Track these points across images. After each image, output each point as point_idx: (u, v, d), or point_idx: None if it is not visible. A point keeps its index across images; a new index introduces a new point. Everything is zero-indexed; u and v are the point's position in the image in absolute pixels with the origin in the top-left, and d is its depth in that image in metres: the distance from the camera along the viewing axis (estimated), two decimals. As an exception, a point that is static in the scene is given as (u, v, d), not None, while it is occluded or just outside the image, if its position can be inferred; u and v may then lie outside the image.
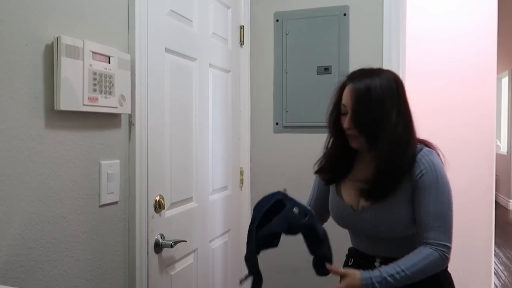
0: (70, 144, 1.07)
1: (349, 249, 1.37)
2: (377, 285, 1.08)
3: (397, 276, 1.08)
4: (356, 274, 1.11)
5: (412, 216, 1.16)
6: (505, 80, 6.78)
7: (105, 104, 1.13)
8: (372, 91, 1.13)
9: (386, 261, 1.18)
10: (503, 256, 4.47)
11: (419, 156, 1.15)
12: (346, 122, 1.17)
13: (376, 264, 1.23)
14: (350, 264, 1.33)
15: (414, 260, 1.10)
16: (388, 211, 1.17)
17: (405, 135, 1.15)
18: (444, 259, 1.11)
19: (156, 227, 1.39)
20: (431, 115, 2.61)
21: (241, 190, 2.07)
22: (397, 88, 1.16)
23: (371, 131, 1.14)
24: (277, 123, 2.07)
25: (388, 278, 1.08)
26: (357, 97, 1.14)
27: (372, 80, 1.15)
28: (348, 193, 1.26)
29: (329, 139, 1.28)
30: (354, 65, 1.94)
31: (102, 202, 1.18)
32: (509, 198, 6.77)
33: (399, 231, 1.18)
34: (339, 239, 1.32)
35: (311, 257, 1.22)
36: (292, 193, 2.05)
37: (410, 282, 1.09)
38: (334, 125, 1.24)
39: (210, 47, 1.75)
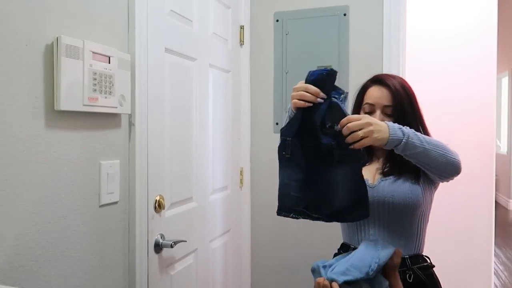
0: (70, 144, 1.07)
1: (342, 247, 1.35)
2: (405, 129, 1.07)
3: (421, 137, 1.08)
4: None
5: (425, 186, 1.23)
6: (505, 80, 6.78)
7: (105, 104, 1.13)
8: (406, 88, 1.28)
9: None
10: (503, 256, 4.47)
11: None
12: (376, 118, 1.21)
13: None
14: None
15: (434, 140, 1.12)
16: (404, 179, 1.23)
17: (427, 132, 1.29)
18: (459, 161, 1.14)
19: (156, 227, 1.39)
20: (431, 115, 2.60)
21: (241, 190, 2.07)
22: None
23: (405, 125, 1.19)
24: (277, 123, 2.07)
25: (414, 134, 1.07)
26: (394, 93, 1.24)
27: (400, 81, 1.29)
28: (364, 172, 1.28)
29: None
30: (354, 65, 1.94)
31: (102, 202, 1.18)
32: (509, 198, 6.77)
33: (415, 196, 1.21)
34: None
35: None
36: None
37: (426, 158, 1.09)
38: None
39: (210, 47, 1.75)
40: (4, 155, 0.90)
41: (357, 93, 1.35)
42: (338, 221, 1.17)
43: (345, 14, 1.95)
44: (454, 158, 1.13)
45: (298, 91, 1.08)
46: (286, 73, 2.04)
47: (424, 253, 1.28)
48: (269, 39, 2.07)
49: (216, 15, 1.80)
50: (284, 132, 1.13)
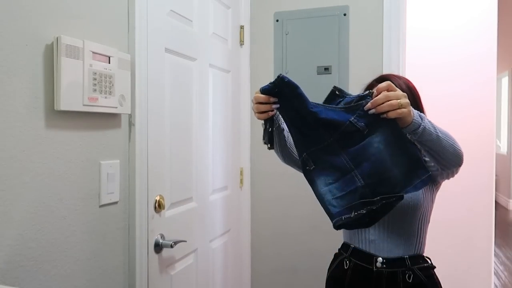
0: (70, 144, 1.07)
1: (343, 247, 1.36)
2: (422, 115, 1.04)
3: (434, 125, 1.06)
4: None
5: (426, 187, 1.20)
6: (505, 80, 6.78)
7: (105, 104, 1.13)
8: (411, 88, 1.28)
9: (388, 262, 1.19)
10: (503, 256, 4.47)
11: None
12: None
13: (378, 264, 1.23)
14: (345, 267, 1.30)
15: (443, 129, 1.10)
16: None
17: None
18: (462, 153, 1.12)
19: (156, 227, 1.39)
20: (431, 115, 2.60)
21: (241, 190, 2.07)
22: None
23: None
24: (277, 123, 2.07)
25: (429, 121, 1.05)
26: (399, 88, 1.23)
27: (405, 81, 1.30)
28: None
29: None
30: (354, 65, 1.94)
31: (102, 202, 1.18)
32: (509, 198, 6.77)
33: (416, 197, 1.21)
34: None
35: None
36: (291, 193, 2.06)
37: (438, 146, 1.07)
38: None
39: (210, 47, 1.75)
40: (4, 155, 0.90)
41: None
42: (406, 190, 1.04)
43: (345, 14, 1.95)
44: (459, 149, 1.12)
45: (253, 107, 1.11)
46: (286, 73, 2.04)
47: (425, 254, 1.28)
48: (269, 39, 2.07)
49: (216, 15, 1.80)
50: (299, 152, 1.10)
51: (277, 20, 2.06)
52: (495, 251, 3.00)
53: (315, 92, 2.01)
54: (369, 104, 1.01)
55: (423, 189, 1.21)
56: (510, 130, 6.63)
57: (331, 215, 1.06)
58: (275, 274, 2.09)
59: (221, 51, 1.86)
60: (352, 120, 1.04)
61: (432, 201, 1.28)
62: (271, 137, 1.15)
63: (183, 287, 1.56)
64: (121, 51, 1.22)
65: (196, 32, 1.64)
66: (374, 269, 1.23)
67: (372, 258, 1.25)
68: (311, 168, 1.09)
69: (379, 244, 1.25)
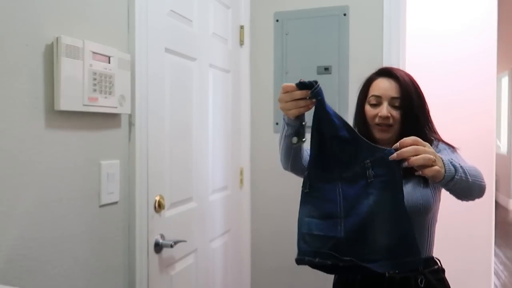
0: (70, 144, 1.07)
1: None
2: (457, 165, 0.96)
3: (465, 169, 0.97)
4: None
5: (434, 187, 1.19)
6: (505, 80, 6.78)
7: (105, 104, 1.13)
8: (412, 80, 1.24)
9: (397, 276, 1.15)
10: (503, 256, 4.47)
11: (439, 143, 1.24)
12: (383, 110, 1.20)
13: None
14: (350, 281, 1.24)
15: (472, 167, 1.02)
16: (413, 183, 1.17)
17: (433, 127, 1.28)
18: (485, 186, 1.05)
19: (156, 227, 1.39)
20: (431, 115, 2.61)
21: (241, 190, 2.07)
22: None
23: (413, 117, 1.18)
24: (277, 123, 2.07)
25: (460, 167, 0.96)
26: (402, 84, 1.21)
27: (406, 73, 1.26)
28: None
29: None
30: (354, 65, 1.94)
31: (102, 202, 1.18)
32: (509, 198, 6.77)
33: (426, 201, 1.16)
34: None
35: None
36: (291, 193, 2.06)
37: (464, 191, 1.00)
38: (360, 117, 1.29)
39: (210, 47, 1.75)
40: (4, 155, 0.90)
41: (361, 87, 1.30)
42: (380, 268, 0.95)
43: (345, 14, 1.95)
44: (484, 185, 1.05)
45: (285, 98, 1.01)
46: (286, 73, 2.04)
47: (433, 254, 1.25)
48: (269, 39, 2.07)
49: (216, 15, 1.80)
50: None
51: (277, 20, 2.06)
52: (495, 251, 3.00)
53: (315, 92, 2.02)
54: (395, 154, 0.91)
55: (432, 191, 1.18)
56: (510, 130, 6.63)
57: (298, 247, 1.03)
58: (275, 274, 2.09)
59: (221, 51, 1.86)
60: (367, 163, 0.96)
61: (440, 200, 1.25)
62: (303, 131, 1.08)
63: (183, 287, 1.56)
64: (121, 51, 1.22)
65: (196, 32, 1.64)
66: (386, 274, 1.17)
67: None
68: (305, 191, 1.03)
69: None
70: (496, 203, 3.27)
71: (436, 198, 1.22)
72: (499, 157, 6.08)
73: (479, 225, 2.74)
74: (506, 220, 6.16)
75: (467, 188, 1.00)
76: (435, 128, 1.28)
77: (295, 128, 1.10)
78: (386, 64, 1.87)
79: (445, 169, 0.93)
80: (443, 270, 1.25)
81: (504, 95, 6.82)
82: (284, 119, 1.11)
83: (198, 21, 1.65)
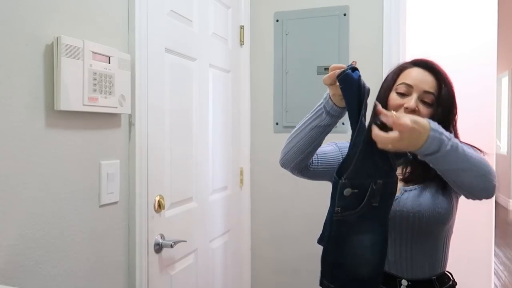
0: (70, 144, 1.07)
1: None
2: (446, 134, 0.86)
3: (460, 144, 0.89)
4: (420, 118, 0.86)
5: (454, 195, 1.10)
6: (505, 80, 6.78)
7: (105, 104, 1.13)
8: (452, 83, 1.12)
9: (414, 285, 1.09)
10: (503, 256, 4.47)
11: None
12: (411, 101, 1.07)
13: (403, 287, 1.10)
14: None
15: (474, 154, 0.92)
16: (430, 189, 1.09)
17: (456, 134, 1.15)
18: (495, 184, 0.95)
19: (156, 227, 1.39)
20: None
21: (241, 190, 2.07)
22: None
23: (440, 121, 0.96)
24: (277, 123, 2.07)
25: (454, 139, 0.88)
26: (441, 80, 1.10)
27: (445, 71, 1.14)
28: None
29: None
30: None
31: (102, 202, 1.18)
32: (509, 198, 6.77)
33: (445, 210, 1.08)
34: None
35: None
36: (291, 193, 2.06)
37: (462, 166, 0.90)
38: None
39: (210, 47, 1.75)
40: (4, 155, 0.90)
41: (389, 73, 1.18)
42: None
43: (345, 14, 1.95)
44: (491, 181, 0.94)
45: (325, 80, 0.99)
46: (286, 73, 2.04)
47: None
48: (269, 39, 2.07)
49: (216, 15, 1.80)
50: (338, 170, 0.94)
51: (277, 20, 2.06)
52: (495, 251, 3.00)
53: (315, 92, 2.02)
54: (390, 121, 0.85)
55: (451, 198, 1.10)
56: (510, 131, 6.63)
57: (323, 230, 1.06)
58: (275, 274, 2.09)
59: (221, 51, 1.86)
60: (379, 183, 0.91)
61: (457, 207, 1.15)
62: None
63: (183, 287, 1.56)
64: (121, 51, 1.22)
65: (196, 32, 1.64)
66: None
67: (395, 280, 1.11)
68: (374, 204, 0.94)
69: (401, 264, 1.11)
70: (496, 203, 3.27)
71: (454, 206, 1.13)
72: (499, 157, 6.08)
73: (479, 225, 2.74)
74: (506, 220, 6.16)
75: (464, 165, 0.89)
76: (458, 135, 1.16)
77: (339, 119, 1.01)
78: (386, 64, 1.87)
79: (425, 139, 0.84)
80: (454, 284, 1.17)
81: (504, 95, 6.82)
82: (325, 106, 1.03)
83: (198, 21, 1.65)
